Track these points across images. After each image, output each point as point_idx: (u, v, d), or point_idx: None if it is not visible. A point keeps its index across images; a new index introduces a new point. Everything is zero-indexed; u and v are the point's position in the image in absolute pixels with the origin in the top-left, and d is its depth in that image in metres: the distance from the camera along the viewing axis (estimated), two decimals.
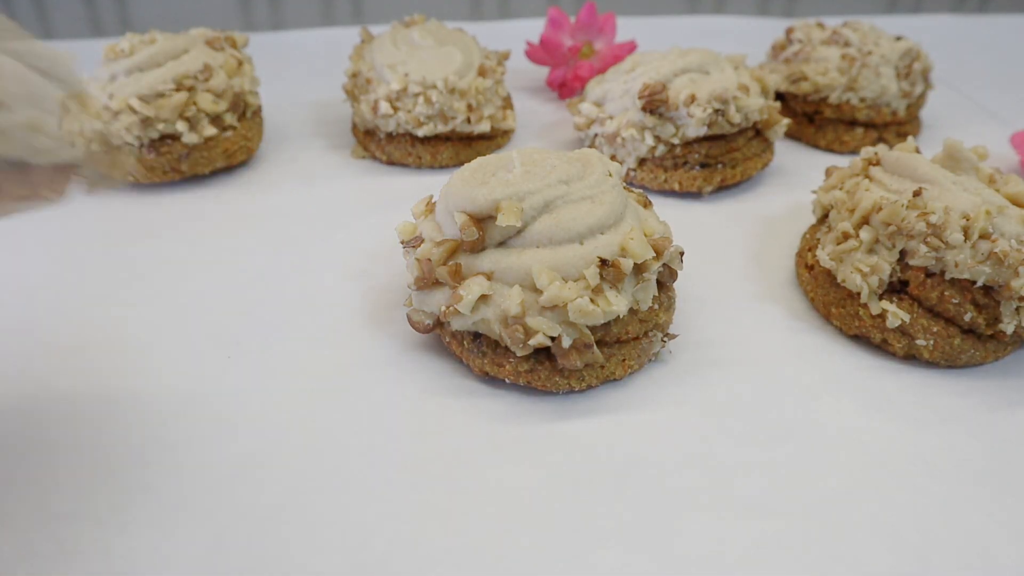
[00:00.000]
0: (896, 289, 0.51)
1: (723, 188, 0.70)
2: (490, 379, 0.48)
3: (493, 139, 0.74)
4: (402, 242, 0.50)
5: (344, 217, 0.65)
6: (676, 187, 0.69)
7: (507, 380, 0.47)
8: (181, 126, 0.66)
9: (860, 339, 0.53)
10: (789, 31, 0.83)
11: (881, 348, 0.52)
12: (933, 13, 1.17)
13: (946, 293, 0.49)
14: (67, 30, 1.12)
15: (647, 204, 0.53)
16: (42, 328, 0.51)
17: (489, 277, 0.46)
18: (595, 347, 0.45)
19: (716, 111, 0.65)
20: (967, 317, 0.49)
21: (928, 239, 0.49)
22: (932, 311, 0.50)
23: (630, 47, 0.86)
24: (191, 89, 0.67)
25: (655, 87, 0.66)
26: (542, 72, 0.92)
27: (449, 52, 0.74)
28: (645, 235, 0.48)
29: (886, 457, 0.44)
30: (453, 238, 0.47)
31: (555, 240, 0.46)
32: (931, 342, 0.50)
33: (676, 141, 0.67)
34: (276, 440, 0.44)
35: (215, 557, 0.37)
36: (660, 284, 0.50)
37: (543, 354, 0.46)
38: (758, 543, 0.39)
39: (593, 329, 0.46)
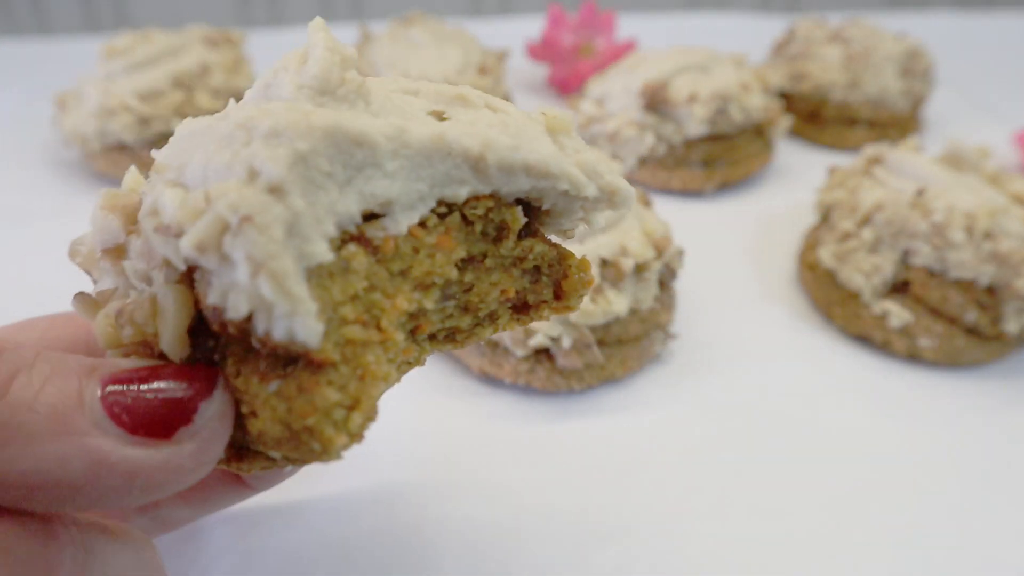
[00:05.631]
0: (898, 289, 0.51)
1: (724, 187, 0.70)
2: (490, 379, 0.48)
3: None
4: None
5: None
6: (677, 186, 0.68)
7: (507, 380, 0.47)
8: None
9: (862, 339, 0.52)
10: (791, 30, 0.83)
11: (883, 348, 0.51)
12: (936, 11, 1.17)
13: (949, 293, 0.49)
14: (64, 26, 1.12)
15: (648, 203, 0.52)
16: None
17: None
18: (595, 347, 0.45)
19: (717, 110, 0.65)
20: (970, 317, 0.48)
21: (931, 239, 0.48)
22: (935, 311, 0.50)
23: (630, 45, 0.86)
24: (189, 87, 0.66)
25: (656, 85, 0.66)
26: (542, 70, 0.91)
27: (448, 50, 0.74)
28: (646, 234, 0.48)
29: (887, 457, 0.44)
30: None
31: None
32: (934, 342, 0.49)
33: (677, 140, 0.67)
34: None
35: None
36: (661, 284, 0.49)
37: (543, 354, 0.46)
38: (758, 543, 0.39)
39: (593, 329, 0.45)
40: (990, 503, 0.41)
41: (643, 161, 0.68)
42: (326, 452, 0.20)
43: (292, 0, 1.15)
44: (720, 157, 0.68)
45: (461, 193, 0.22)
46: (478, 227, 0.23)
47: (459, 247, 0.22)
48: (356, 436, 0.20)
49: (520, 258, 0.24)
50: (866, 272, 0.51)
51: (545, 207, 0.24)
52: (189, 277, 0.21)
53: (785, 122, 0.71)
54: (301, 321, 0.19)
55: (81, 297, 0.23)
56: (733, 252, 0.62)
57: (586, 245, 0.45)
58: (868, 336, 0.51)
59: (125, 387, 0.20)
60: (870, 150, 0.57)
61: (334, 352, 0.20)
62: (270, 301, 0.19)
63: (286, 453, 0.21)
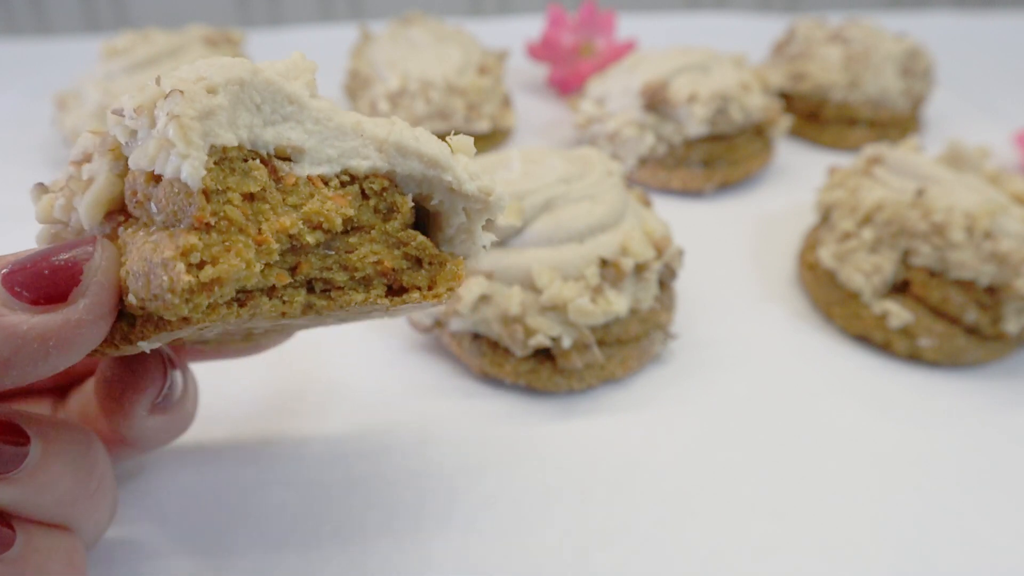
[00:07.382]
0: (898, 289, 0.51)
1: (724, 187, 0.70)
2: (490, 379, 0.48)
3: (493, 138, 0.74)
4: None
5: None
6: (677, 186, 0.68)
7: (507, 380, 0.47)
8: None
9: (862, 339, 0.52)
10: (791, 30, 0.83)
11: (883, 348, 0.51)
12: (936, 11, 1.17)
13: (949, 293, 0.49)
14: (64, 26, 1.12)
15: (648, 203, 0.52)
16: None
17: (489, 277, 0.45)
18: (595, 347, 0.45)
19: (717, 110, 0.65)
20: (970, 317, 0.48)
21: (931, 238, 0.48)
22: (935, 311, 0.50)
23: (631, 45, 0.86)
24: None
25: (656, 85, 0.66)
26: (542, 70, 0.91)
27: (448, 50, 0.74)
28: (645, 234, 0.48)
29: (887, 457, 0.44)
30: None
31: (555, 239, 0.46)
32: (934, 342, 0.49)
33: (677, 140, 0.67)
34: (275, 440, 0.44)
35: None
36: (661, 283, 0.49)
37: (543, 354, 0.46)
38: (759, 543, 0.39)
39: (593, 329, 0.45)
40: (990, 503, 0.41)
41: (643, 161, 0.68)
42: (172, 290, 0.23)
43: (292, 0, 1.15)
44: (720, 157, 0.68)
45: (363, 166, 0.27)
46: (372, 202, 0.28)
47: (351, 209, 0.27)
48: (204, 287, 0.23)
49: (403, 242, 0.28)
50: (866, 272, 0.51)
51: (434, 203, 0.29)
52: (125, 169, 0.25)
53: (785, 122, 0.71)
54: (189, 163, 0.23)
55: (38, 185, 0.27)
56: (733, 252, 0.62)
57: (586, 245, 0.45)
58: (868, 336, 0.51)
59: (22, 268, 0.25)
60: (870, 150, 0.57)
61: (211, 218, 0.24)
62: (171, 142, 0.23)
63: (139, 292, 0.24)
